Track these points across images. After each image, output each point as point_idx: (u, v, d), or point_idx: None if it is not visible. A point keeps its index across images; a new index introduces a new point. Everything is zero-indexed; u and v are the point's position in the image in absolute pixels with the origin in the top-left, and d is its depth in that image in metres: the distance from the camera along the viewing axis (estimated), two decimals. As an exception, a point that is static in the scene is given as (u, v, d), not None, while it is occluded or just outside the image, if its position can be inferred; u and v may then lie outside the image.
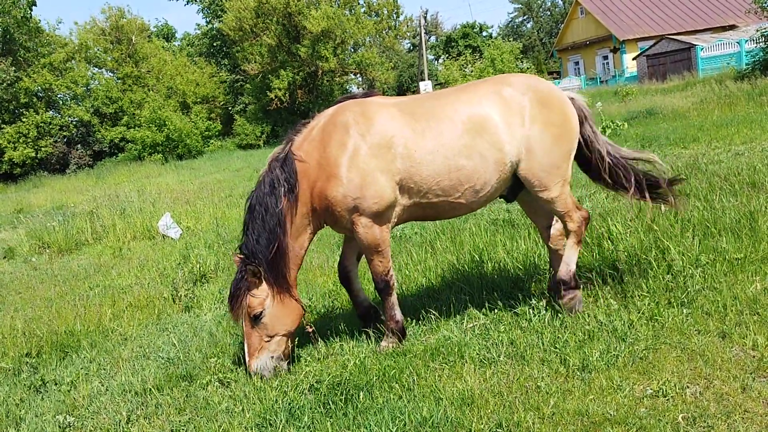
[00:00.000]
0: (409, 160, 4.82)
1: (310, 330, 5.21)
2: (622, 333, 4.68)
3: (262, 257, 4.83)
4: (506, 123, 4.94)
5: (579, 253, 5.37)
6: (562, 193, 5.13)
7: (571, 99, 5.33)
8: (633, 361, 4.34)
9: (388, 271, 5.08)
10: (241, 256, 4.93)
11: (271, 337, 4.88)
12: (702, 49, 35.82)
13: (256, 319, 4.83)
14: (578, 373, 4.29)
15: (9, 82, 39.53)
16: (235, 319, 4.94)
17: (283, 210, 4.84)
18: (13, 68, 39.79)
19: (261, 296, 4.84)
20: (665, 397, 3.90)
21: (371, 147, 4.79)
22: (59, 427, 4.61)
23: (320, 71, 43.66)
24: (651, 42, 41.44)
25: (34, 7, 42.18)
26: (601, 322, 4.88)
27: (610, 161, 5.44)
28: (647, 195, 5.48)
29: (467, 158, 4.88)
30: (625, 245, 6.20)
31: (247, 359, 4.87)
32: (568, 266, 5.22)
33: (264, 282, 4.85)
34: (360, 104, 5.03)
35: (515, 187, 5.31)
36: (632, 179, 5.45)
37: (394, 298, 5.14)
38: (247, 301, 4.80)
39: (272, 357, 4.89)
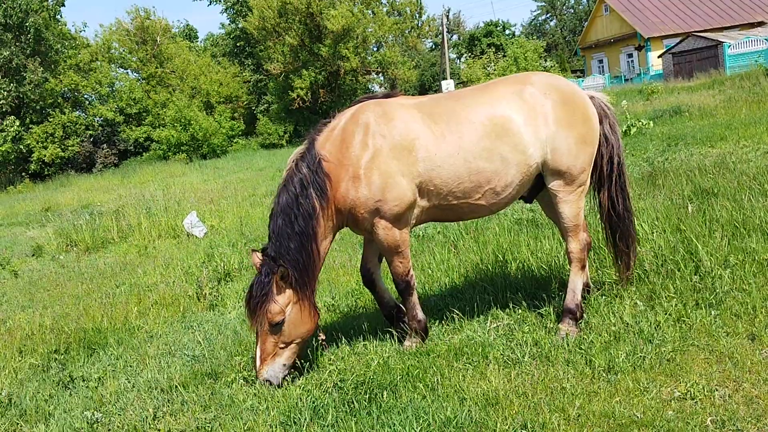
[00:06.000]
0: (430, 163, 4.77)
1: (322, 338, 5.10)
2: (648, 334, 4.62)
3: (293, 261, 4.65)
4: (529, 124, 4.86)
5: (584, 273, 5.23)
6: (579, 201, 5.06)
7: (591, 98, 5.25)
8: (660, 362, 4.29)
9: (408, 271, 5.06)
10: (262, 257, 4.74)
11: (287, 344, 4.72)
12: (729, 46, 35.26)
13: (275, 326, 4.65)
14: (604, 375, 4.26)
15: (37, 83, 40.22)
16: (253, 322, 4.71)
17: (315, 212, 4.71)
18: (41, 69, 40.48)
19: (283, 303, 4.65)
20: (693, 399, 3.85)
21: (393, 149, 4.76)
22: (87, 422, 4.67)
23: (342, 71, 43.77)
24: (677, 39, 40.86)
25: (62, 8, 42.84)
26: (628, 324, 4.83)
27: (618, 171, 5.30)
28: (620, 240, 5.38)
29: (488, 161, 4.82)
30: (652, 245, 6.13)
31: (257, 364, 4.71)
32: (574, 294, 5.09)
33: (289, 287, 4.66)
34: (381, 104, 4.99)
35: (534, 189, 5.26)
36: (626, 209, 5.35)
37: (415, 298, 5.12)
38: (269, 307, 4.61)
39: (284, 365, 4.73)
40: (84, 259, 11.83)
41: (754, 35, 36.81)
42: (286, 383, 4.73)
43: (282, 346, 4.72)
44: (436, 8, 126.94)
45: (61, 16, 42.61)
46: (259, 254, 4.82)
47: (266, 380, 4.68)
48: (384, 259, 5.41)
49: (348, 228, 5.16)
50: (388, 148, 4.76)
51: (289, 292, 4.68)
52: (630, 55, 48.33)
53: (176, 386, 5.03)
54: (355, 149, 4.78)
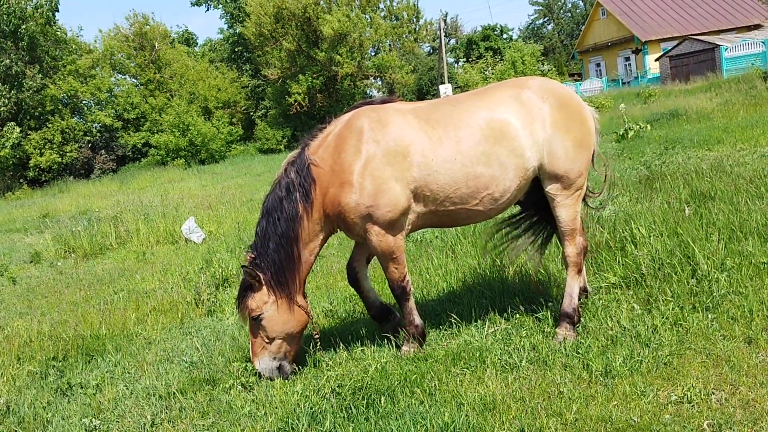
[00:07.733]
0: (426, 168, 4.78)
1: (317, 336, 5.21)
2: (645, 338, 4.63)
3: (269, 261, 4.87)
4: (526, 128, 4.88)
5: (580, 277, 5.24)
6: (575, 205, 5.08)
7: None
8: (657, 366, 4.30)
9: (404, 277, 5.07)
10: (252, 256, 4.98)
11: (271, 339, 4.92)
12: (726, 49, 35.33)
13: (255, 321, 4.89)
14: (601, 379, 4.26)
15: (35, 89, 40.20)
16: (241, 319, 5.11)
17: (298, 215, 4.86)
18: (40, 75, 40.46)
19: (260, 299, 4.88)
20: (690, 403, 3.86)
21: (386, 154, 4.77)
22: (85, 430, 4.68)
23: (339, 75, 43.79)
24: (674, 43, 40.94)
25: (57, 13, 42.73)
26: (625, 327, 4.84)
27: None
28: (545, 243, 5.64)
29: (486, 166, 4.83)
30: (649, 249, 6.13)
31: (251, 357, 5.01)
32: (571, 299, 5.09)
33: (264, 285, 4.88)
34: (376, 110, 5.01)
35: (531, 193, 5.26)
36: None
37: (411, 303, 5.13)
38: (247, 302, 4.90)
39: (274, 358, 4.95)
40: (82, 265, 11.82)
41: (751, 38, 36.90)
42: (283, 388, 4.74)
43: (267, 341, 4.93)
44: (433, 12, 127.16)
45: (54, 22, 42.43)
46: (250, 254, 5.06)
47: (258, 372, 4.96)
48: (371, 261, 5.54)
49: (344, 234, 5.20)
50: (382, 153, 4.77)
51: (265, 289, 4.89)
52: (627, 59, 48.42)
53: (174, 393, 5.04)
54: (347, 155, 4.81)
